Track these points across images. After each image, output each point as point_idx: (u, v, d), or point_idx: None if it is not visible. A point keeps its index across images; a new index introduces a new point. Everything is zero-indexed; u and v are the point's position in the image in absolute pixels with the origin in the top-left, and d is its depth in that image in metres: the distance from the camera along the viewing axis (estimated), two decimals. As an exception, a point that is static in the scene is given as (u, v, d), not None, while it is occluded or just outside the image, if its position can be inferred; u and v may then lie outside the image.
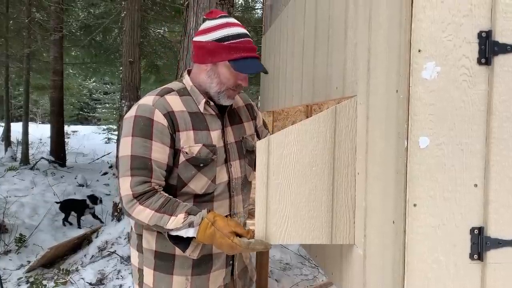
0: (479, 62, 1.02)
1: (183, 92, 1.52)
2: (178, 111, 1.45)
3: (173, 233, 1.39)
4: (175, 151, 1.44)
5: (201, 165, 1.46)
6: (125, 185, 1.39)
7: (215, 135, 1.51)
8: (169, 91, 1.50)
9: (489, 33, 1.01)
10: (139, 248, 1.56)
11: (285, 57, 2.50)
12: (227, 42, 1.44)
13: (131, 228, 1.64)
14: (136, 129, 1.40)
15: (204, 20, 1.54)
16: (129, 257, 3.77)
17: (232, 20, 1.51)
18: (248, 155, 1.63)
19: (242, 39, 1.46)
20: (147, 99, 1.46)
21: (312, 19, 1.88)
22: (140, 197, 1.38)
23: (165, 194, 1.42)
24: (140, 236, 1.55)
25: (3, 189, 6.97)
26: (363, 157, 1.27)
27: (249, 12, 10.58)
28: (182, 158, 1.44)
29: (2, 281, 3.70)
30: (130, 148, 1.40)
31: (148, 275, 1.53)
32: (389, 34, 1.11)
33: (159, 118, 1.41)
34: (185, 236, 1.38)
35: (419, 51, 1.00)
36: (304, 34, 2.03)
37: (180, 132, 1.44)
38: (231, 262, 1.61)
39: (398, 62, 1.05)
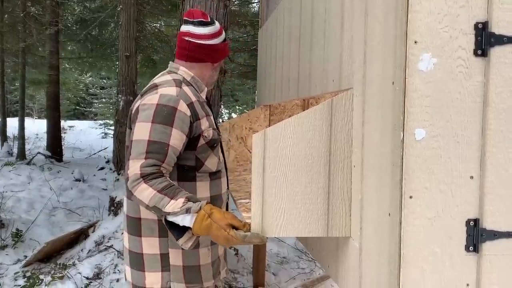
0: (476, 53, 1.01)
1: (188, 82, 1.64)
2: (194, 101, 1.57)
3: (170, 218, 1.40)
4: (194, 138, 1.55)
5: (215, 145, 1.63)
6: (135, 165, 1.42)
7: (212, 120, 1.67)
8: (180, 82, 1.60)
9: (485, 24, 1.01)
10: (162, 233, 1.57)
11: (282, 51, 2.49)
12: (219, 45, 1.68)
13: (141, 218, 1.60)
14: (157, 116, 1.47)
15: (187, 22, 1.65)
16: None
17: (217, 26, 1.71)
18: None
19: (225, 42, 1.73)
20: (169, 90, 1.53)
21: (308, 12, 1.87)
22: (146, 176, 1.41)
23: (170, 180, 1.44)
24: (162, 222, 1.52)
25: (-1, 184, 6.95)
26: (359, 149, 1.27)
27: (246, 6, 10.52)
28: (202, 142, 1.57)
29: (-1, 276, 3.70)
30: (148, 133, 1.45)
31: (176, 255, 1.59)
32: (385, 26, 1.10)
33: (183, 108, 1.50)
34: (181, 224, 1.39)
35: (415, 42, 1.00)
36: (300, 27, 2.02)
37: (200, 119, 1.56)
38: None
39: (394, 54, 1.05)
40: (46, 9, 9.45)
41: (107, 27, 10.23)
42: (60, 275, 3.69)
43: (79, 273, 3.77)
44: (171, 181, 1.44)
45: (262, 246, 3.53)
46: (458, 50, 1.01)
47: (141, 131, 1.46)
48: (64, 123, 16.52)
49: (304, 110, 2.98)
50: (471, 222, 1.04)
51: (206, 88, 1.70)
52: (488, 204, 1.04)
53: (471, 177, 1.03)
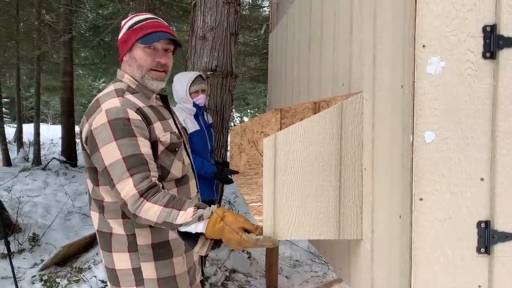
0: (484, 56, 1.02)
1: (132, 90, 1.55)
2: (141, 106, 1.51)
3: (182, 229, 1.38)
4: (152, 144, 1.48)
5: (176, 149, 1.56)
6: (128, 186, 1.37)
7: (171, 123, 1.61)
8: (123, 91, 1.52)
9: (493, 27, 1.02)
10: (132, 248, 1.54)
11: (292, 55, 2.50)
12: (135, 26, 1.54)
13: (111, 234, 1.57)
14: (117, 132, 1.40)
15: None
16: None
17: (143, 13, 1.63)
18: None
19: (150, 21, 1.55)
20: (112, 102, 1.46)
21: (318, 16, 1.89)
22: (146, 193, 1.37)
23: (169, 192, 1.42)
24: (132, 236, 1.54)
25: (16, 189, 7.07)
26: (369, 152, 1.28)
27: (256, 10, 10.57)
28: (161, 148, 1.51)
29: (17, 279, 3.76)
30: (118, 152, 1.39)
31: (149, 268, 1.55)
32: (393, 30, 1.11)
33: (133, 115, 1.44)
34: (194, 231, 1.38)
35: (423, 46, 1.01)
36: (310, 31, 2.03)
37: (153, 124, 1.50)
38: None
39: (402, 57, 1.06)
40: (60, 16, 9.62)
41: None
42: (76, 278, 3.75)
43: (94, 276, 3.82)
44: (171, 193, 1.42)
45: (274, 249, 3.54)
46: (466, 53, 1.02)
47: (110, 154, 1.39)
48: (78, 129, 16.71)
49: (315, 113, 2.98)
50: (482, 224, 1.04)
51: (154, 94, 1.60)
52: (499, 206, 1.04)
53: (482, 179, 1.04)
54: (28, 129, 13.61)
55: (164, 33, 1.53)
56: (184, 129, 1.83)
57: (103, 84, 22.61)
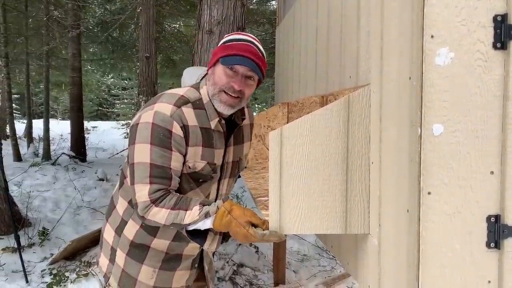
0: (495, 46, 0.99)
1: (198, 105, 1.50)
2: (192, 125, 1.46)
3: (191, 228, 1.40)
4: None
5: (200, 180, 1.52)
6: (143, 192, 1.40)
7: (217, 154, 1.54)
8: (186, 102, 1.48)
9: (504, 17, 0.99)
10: (118, 231, 1.62)
11: (299, 48, 2.48)
12: (227, 44, 1.49)
13: (114, 207, 1.66)
14: (155, 138, 1.40)
15: None
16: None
17: (243, 33, 1.54)
18: (237, 174, 1.72)
19: (241, 42, 1.47)
20: (165, 107, 1.44)
21: (325, 8, 1.86)
22: (155, 201, 1.40)
23: (176, 193, 1.45)
24: (124, 222, 1.61)
25: (26, 184, 7.14)
26: (377, 146, 1.26)
27: (264, 4, 10.52)
28: (184, 171, 1.48)
29: (27, 273, 3.80)
30: (149, 156, 1.40)
31: (120, 257, 1.62)
32: (401, 21, 1.09)
33: (177, 130, 1.42)
34: (202, 228, 1.40)
35: (432, 37, 0.99)
36: (317, 24, 2.01)
37: (190, 146, 1.45)
38: (196, 265, 1.72)
39: (410, 48, 1.04)
40: (68, 12, 9.66)
41: (127, 29, 10.39)
42: (85, 272, 3.77)
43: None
44: (178, 194, 1.44)
45: (282, 244, 3.53)
46: (476, 43, 0.99)
47: (142, 154, 1.41)
48: (87, 124, 16.87)
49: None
50: (492, 218, 1.02)
51: (217, 118, 1.51)
52: (510, 200, 1.02)
53: (492, 173, 1.01)
54: (37, 125, 13.72)
55: (248, 59, 1.44)
56: (239, 161, 1.69)
57: (111, 80, 22.74)
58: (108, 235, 1.66)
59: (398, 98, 1.11)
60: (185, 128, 1.44)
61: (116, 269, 1.63)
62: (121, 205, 1.63)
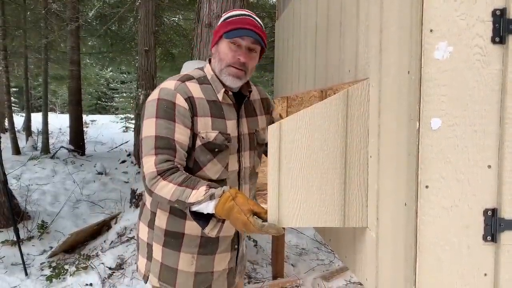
0: (493, 41, 1.00)
1: (202, 80, 1.57)
2: (197, 97, 1.51)
3: (194, 208, 1.41)
4: (193, 135, 1.50)
5: (216, 150, 1.52)
6: (150, 163, 1.43)
7: (230, 125, 1.56)
8: (190, 78, 1.56)
9: (503, 11, 0.99)
10: (151, 224, 1.63)
11: (298, 42, 2.48)
12: (226, 21, 1.55)
13: (144, 204, 1.70)
14: (160, 111, 1.46)
15: None
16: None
17: (240, 9, 1.62)
18: (258, 147, 1.70)
19: (241, 17, 1.54)
20: (169, 83, 1.51)
21: (324, 2, 1.86)
22: (163, 173, 1.42)
23: (185, 172, 1.47)
24: (154, 214, 1.62)
25: (25, 177, 7.15)
26: (375, 140, 1.27)
27: (263, -2, 10.47)
28: (198, 143, 1.50)
29: (26, 266, 3.82)
30: (154, 128, 1.45)
31: (157, 250, 1.62)
32: (400, 15, 1.09)
33: (181, 101, 1.47)
34: (205, 211, 1.41)
35: (431, 31, 0.99)
36: (316, 17, 2.01)
37: (198, 117, 1.49)
38: (236, 246, 1.68)
39: (409, 42, 1.04)
40: (66, 5, 9.62)
41: (126, 22, 10.35)
42: (84, 265, 3.79)
43: (102, 263, 3.87)
44: (188, 174, 1.46)
45: (280, 237, 3.55)
46: (475, 38, 1.00)
47: (148, 128, 1.47)
48: (86, 118, 16.84)
49: (321, 102, 2.96)
50: (489, 212, 1.03)
51: (223, 89, 1.55)
52: (507, 194, 1.03)
53: (489, 166, 1.02)
54: (36, 118, 13.70)
55: (250, 31, 1.51)
56: (256, 133, 1.69)
57: (110, 73, 22.68)
58: (143, 232, 1.67)
59: (396, 92, 1.12)
60: (190, 100, 1.49)
61: (155, 265, 1.62)
62: (148, 199, 1.66)
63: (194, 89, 1.53)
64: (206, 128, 1.50)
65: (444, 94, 1.00)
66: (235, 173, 1.61)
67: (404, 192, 1.08)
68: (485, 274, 1.03)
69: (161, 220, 1.60)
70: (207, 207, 1.39)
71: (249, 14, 1.58)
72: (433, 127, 1.00)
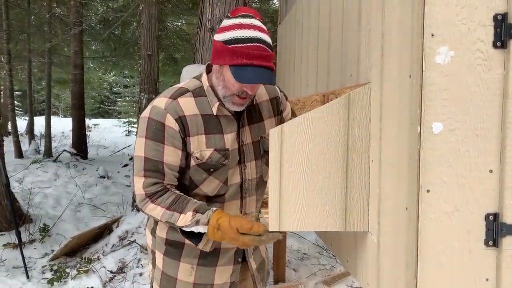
0: (495, 45, 1.00)
1: (198, 92, 1.47)
2: (190, 115, 1.42)
3: (185, 229, 1.43)
4: (186, 154, 1.45)
5: (211, 170, 1.46)
6: (138, 184, 1.43)
7: (229, 138, 1.47)
8: (184, 92, 1.46)
9: (505, 16, 0.99)
10: (153, 233, 1.63)
11: (300, 47, 2.49)
12: (231, 46, 1.34)
13: None
14: (149, 131, 1.42)
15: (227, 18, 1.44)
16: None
17: (249, 21, 1.37)
18: (266, 154, 1.56)
19: (249, 44, 1.33)
20: (160, 101, 1.44)
21: (326, 6, 1.87)
22: (152, 196, 1.43)
23: (176, 191, 1.45)
24: (155, 222, 1.62)
25: (27, 181, 7.16)
26: (377, 144, 1.27)
27: (266, 3, 10.51)
28: (192, 163, 1.46)
29: (28, 269, 3.82)
30: (143, 149, 1.43)
31: (159, 258, 1.61)
32: (402, 19, 1.09)
33: (171, 122, 1.40)
34: (196, 231, 1.43)
35: (432, 35, 0.99)
36: (318, 22, 2.02)
37: (191, 137, 1.43)
38: (239, 259, 1.61)
39: (411, 47, 1.04)
40: (70, 9, 9.67)
41: (129, 27, 10.39)
42: (86, 268, 3.79)
43: (103, 267, 3.87)
44: (178, 193, 1.44)
45: (282, 242, 3.54)
46: (476, 42, 1.00)
47: (138, 147, 1.45)
48: (88, 121, 16.88)
49: (323, 106, 2.96)
50: (490, 216, 1.02)
51: (217, 102, 1.44)
52: (508, 198, 1.02)
53: (491, 171, 1.02)
54: (39, 122, 13.75)
55: (261, 70, 1.34)
56: (261, 140, 1.58)
57: (113, 77, 22.75)
58: (148, 239, 1.67)
59: (398, 96, 1.12)
60: (181, 119, 1.41)
61: (157, 272, 1.62)
62: None
63: (187, 105, 1.43)
64: (200, 147, 1.44)
65: (446, 98, 1.00)
66: (236, 186, 1.53)
67: (405, 196, 1.07)
68: (487, 279, 1.03)
69: (162, 229, 1.59)
70: (197, 229, 1.41)
71: (259, 35, 1.35)
72: (435, 131, 1.00)
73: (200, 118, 1.44)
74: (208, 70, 1.52)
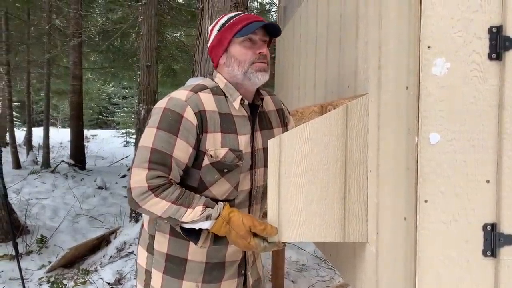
0: (490, 57, 1.01)
1: (215, 91, 1.44)
2: (209, 110, 1.39)
3: (187, 226, 1.34)
4: (198, 153, 1.39)
5: (225, 170, 1.41)
6: (140, 176, 1.31)
7: (243, 140, 1.44)
8: (203, 88, 1.43)
9: (500, 28, 1.01)
10: (150, 249, 1.52)
11: (299, 58, 2.51)
12: (227, 24, 1.44)
13: (142, 226, 1.60)
14: (163, 122, 1.34)
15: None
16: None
17: (227, 13, 1.51)
18: None
19: (240, 16, 1.44)
20: (181, 93, 1.39)
21: (324, 18, 1.89)
22: (155, 189, 1.31)
23: (180, 186, 1.36)
24: (152, 237, 1.51)
25: (25, 191, 7.14)
26: (374, 154, 1.27)
27: (264, 15, 10.60)
28: (206, 161, 1.39)
29: (24, 280, 3.79)
30: (152, 140, 1.33)
31: (157, 277, 1.49)
32: (399, 31, 1.11)
33: (190, 116, 1.35)
34: (197, 227, 1.35)
35: (428, 47, 1.01)
36: (316, 34, 2.04)
37: (208, 133, 1.37)
38: (243, 272, 1.58)
39: (407, 59, 1.05)
40: (70, 21, 9.73)
41: (128, 38, 10.45)
42: (83, 280, 3.76)
43: (101, 278, 3.84)
44: (182, 188, 1.35)
45: (280, 253, 3.53)
46: (472, 54, 1.01)
47: (146, 137, 1.35)
48: (87, 132, 16.89)
49: (322, 117, 2.97)
50: (488, 227, 1.03)
51: (239, 96, 1.44)
52: (506, 209, 1.03)
53: (488, 181, 1.03)
54: (37, 133, 13.75)
55: (258, 22, 1.40)
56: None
57: (112, 88, 22.81)
58: (141, 258, 1.55)
59: (395, 107, 1.13)
60: (200, 114, 1.36)
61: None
62: (146, 221, 1.55)
63: (207, 100, 1.40)
64: (215, 145, 1.38)
65: (442, 109, 1.01)
66: (245, 192, 1.49)
67: (403, 207, 1.08)
68: (485, 290, 1.03)
69: (161, 243, 1.48)
70: (202, 225, 1.34)
71: (243, 12, 1.49)
72: (432, 142, 1.01)
73: (218, 116, 1.40)
74: (217, 73, 1.51)
